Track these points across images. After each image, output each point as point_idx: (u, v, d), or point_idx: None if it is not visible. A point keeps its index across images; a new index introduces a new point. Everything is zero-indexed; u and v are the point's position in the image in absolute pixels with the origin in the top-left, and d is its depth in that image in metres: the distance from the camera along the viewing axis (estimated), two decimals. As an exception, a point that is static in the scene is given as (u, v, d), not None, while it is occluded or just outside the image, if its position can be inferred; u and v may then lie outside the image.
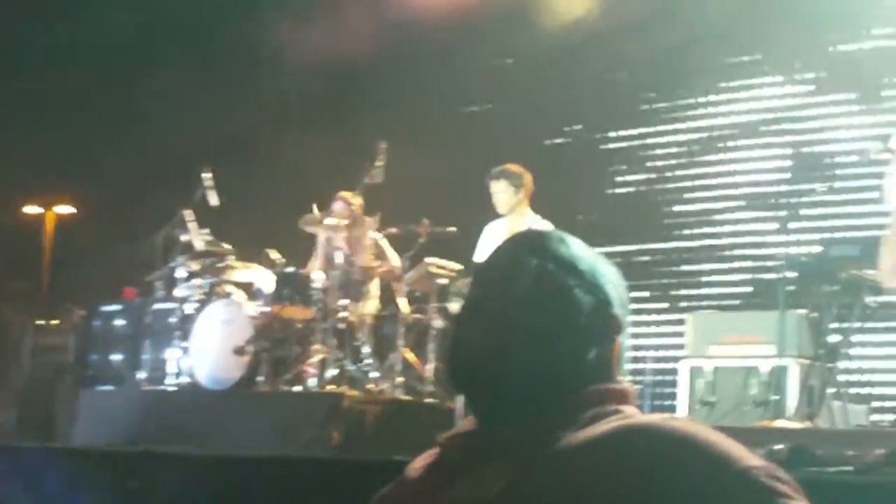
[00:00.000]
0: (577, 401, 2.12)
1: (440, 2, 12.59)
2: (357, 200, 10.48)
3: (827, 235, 8.96)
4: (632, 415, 2.13)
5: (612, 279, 2.24)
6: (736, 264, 12.16)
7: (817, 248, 9.36)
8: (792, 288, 9.06)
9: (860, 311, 9.53)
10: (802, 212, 11.14)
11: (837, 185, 11.08)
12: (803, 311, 9.36)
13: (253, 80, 13.72)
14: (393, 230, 10.65)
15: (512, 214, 9.97)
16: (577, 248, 2.24)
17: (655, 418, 2.08)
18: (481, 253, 9.89)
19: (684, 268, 12.60)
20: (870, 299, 8.83)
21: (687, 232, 12.79)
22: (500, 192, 9.99)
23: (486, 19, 12.77)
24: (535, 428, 2.09)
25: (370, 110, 13.04)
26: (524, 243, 2.26)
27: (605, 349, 2.19)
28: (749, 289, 11.82)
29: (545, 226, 9.51)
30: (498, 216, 10.16)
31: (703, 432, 2.02)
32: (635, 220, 12.93)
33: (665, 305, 12.51)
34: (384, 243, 10.71)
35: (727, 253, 12.28)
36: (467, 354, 2.18)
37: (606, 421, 2.09)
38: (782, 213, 10.44)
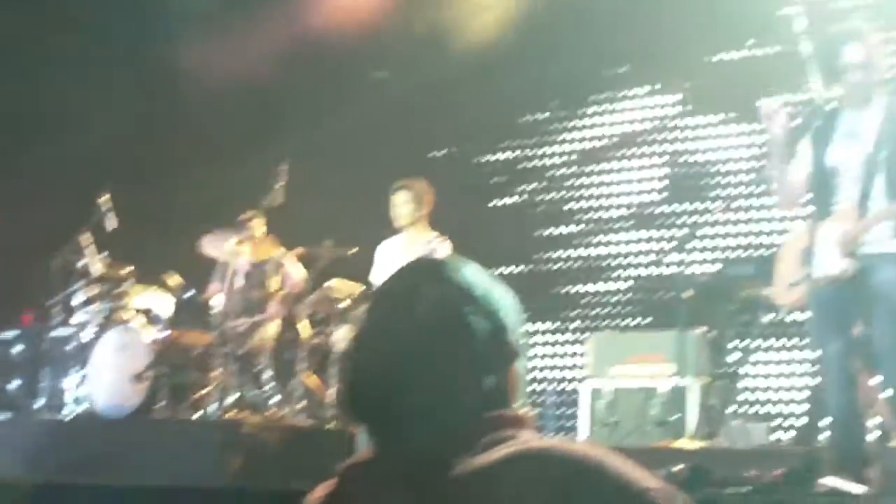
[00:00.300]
0: (474, 427, 2.11)
1: (335, 18, 12.59)
2: (258, 222, 10.39)
3: (721, 255, 9.03)
4: (528, 440, 2.12)
5: (507, 305, 2.24)
6: (633, 283, 12.19)
7: (714, 268, 9.43)
8: (691, 307, 9.13)
9: (758, 329, 9.64)
10: (697, 231, 11.27)
11: (734, 203, 11.19)
12: (702, 331, 9.44)
13: (150, 101, 13.56)
14: (295, 252, 10.57)
15: (410, 229, 9.90)
16: (473, 275, 2.24)
17: (551, 443, 2.08)
18: (378, 272, 9.84)
19: (581, 288, 12.60)
20: (767, 317, 8.92)
21: (576, 251, 12.80)
22: (402, 204, 9.92)
23: (374, 37, 12.77)
24: (433, 455, 2.09)
25: (271, 131, 12.96)
26: (420, 270, 2.27)
27: (502, 375, 2.18)
28: (648, 308, 11.87)
29: (444, 244, 9.49)
30: (393, 233, 10.09)
31: (600, 456, 2.02)
32: (519, 238, 12.92)
33: (565, 326, 12.51)
34: (286, 265, 10.63)
35: (623, 273, 12.30)
36: (364, 382, 2.17)
37: (503, 446, 2.09)
38: (677, 232, 10.59)
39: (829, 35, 6.57)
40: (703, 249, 11.27)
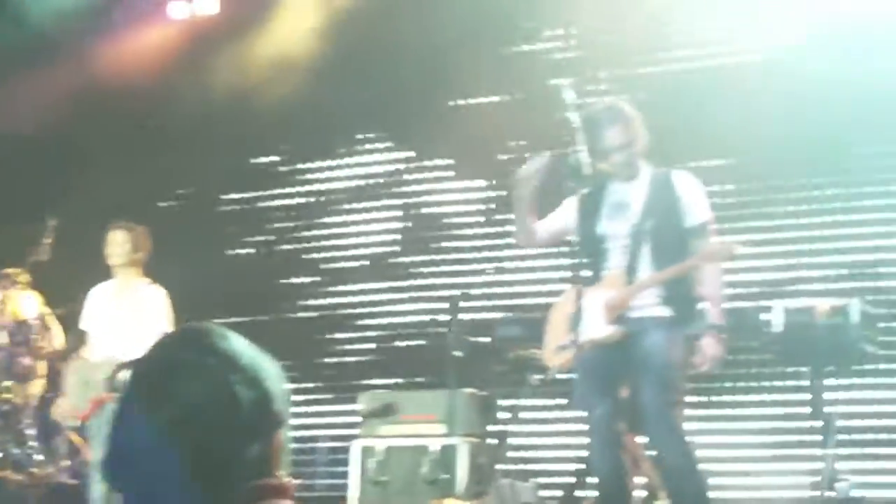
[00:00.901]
0: (237, 497, 2.08)
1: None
2: (23, 278, 10.13)
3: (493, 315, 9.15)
4: (289, 510, 2.10)
5: (272, 374, 2.22)
6: (403, 343, 12.20)
7: (486, 328, 9.50)
8: (461, 367, 9.18)
9: (527, 389, 9.73)
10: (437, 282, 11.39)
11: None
12: (472, 390, 9.50)
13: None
14: (59, 309, 10.35)
15: (123, 274, 9.57)
16: (237, 344, 2.21)
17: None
18: (88, 317, 9.54)
19: (336, 340, 12.56)
20: (536, 378, 9.02)
21: (320, 300, 12.80)
22: (119, 244, 9.57)
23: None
24: None
25: (37, 183, 12.69)
26: (184, 338, 2.23)
27: (266, 445, 2.16)
28: (418, 367, 11.90)
29: (158, 291, 9.35)
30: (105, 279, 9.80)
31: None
32: (261, 287, 12.83)
33: (334, 384, 12.44)
34: (50, 322, 10.40)
35: (390, 332, 12.30)
36: (122, 453, 2.11)
37: (263, 518, 2.05)
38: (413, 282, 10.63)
39: (592, 114, 6.74)
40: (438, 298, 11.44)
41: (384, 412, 9.52)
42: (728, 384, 10.54)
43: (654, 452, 7.03)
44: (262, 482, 2.13)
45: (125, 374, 9.85)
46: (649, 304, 6.38)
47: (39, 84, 12.38)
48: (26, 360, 10.12)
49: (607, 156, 6.60)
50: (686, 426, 8.11)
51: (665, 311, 6.35)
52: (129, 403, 2.17)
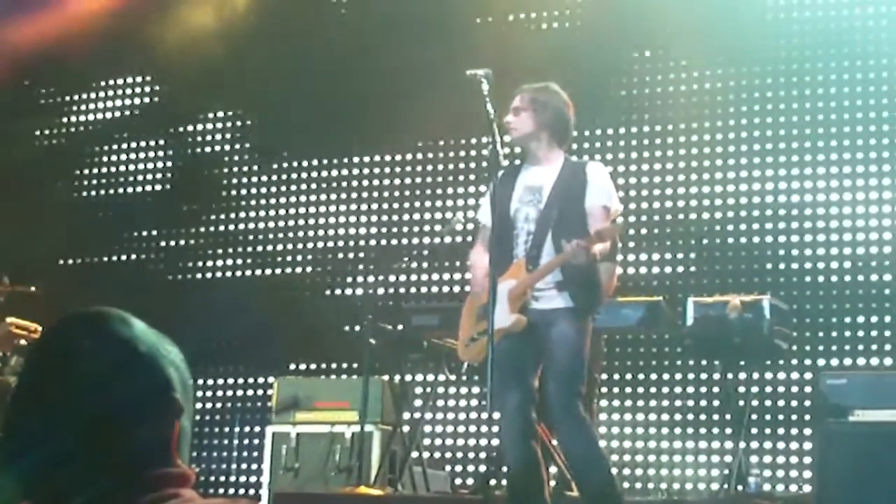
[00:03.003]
0: (137, 487, 2.05)
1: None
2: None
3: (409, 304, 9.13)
4: (191, 499, 2.09)
5: (173, 361, 2.19)
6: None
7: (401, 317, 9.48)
8: (375, 355, 9.17)
9: (441, 378, 9.74)
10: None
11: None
12: (386, 378, 9.50)
13: None
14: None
15: None
16: (138, 330, 2.17)
17: (214, 502, 2.04)
18: None
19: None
20: (451, 366, 9.03)
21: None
22: None
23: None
24: None
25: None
26: (81, 323, 2.17)
27: (165, 433, 2.12)
28: (334, 354, 11.87)
29: None
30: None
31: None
32: None
33: (248, 368, 12.37)
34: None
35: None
36: (14, 441, 2.08)
37: (165, 506, 2.03)
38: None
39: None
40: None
41: (293, 406, 9.50)
42: (640, 376, 10.61)
43: (560, 446, 7.07)
44: (162, 471, 2.10)
45: (19, 360, 9.75)
46: (551, 295, 6.39)
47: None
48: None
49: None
50: (598, 418, 8.19)
51: (566, 301, 6.36)
52: (23, 391, 2.13)
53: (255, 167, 12.75)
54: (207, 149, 13.09)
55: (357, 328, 10.26)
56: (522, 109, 6.62)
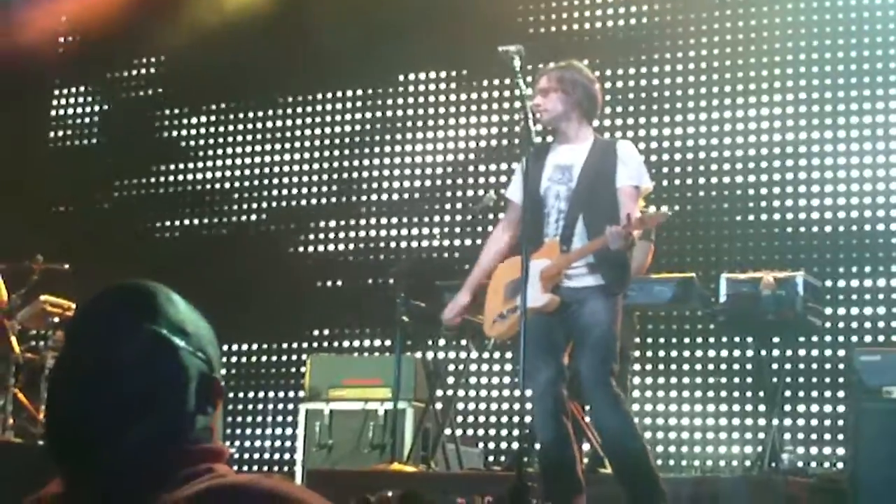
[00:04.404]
0: (172, 461, 2.06)
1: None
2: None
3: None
4: (224, 474, 2.09)
5: (211, 340, 2.19)
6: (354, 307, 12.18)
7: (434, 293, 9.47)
8: (407, 331, 9.18)
9: (474, 355, 9.75)
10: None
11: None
12: (419, 355, 9.51)
13: None
14: (2, 266, 10.27)
15: None
16: (184, 309, 2.17)
17: (246, 478, 2.05)
18: None
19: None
20: (483, 343, 9.03)
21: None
22: None
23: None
24: (128, 490, 2.03)
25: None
26: (129, 301, 2.15)
27: (208, 412, 2.14)
28: (368, 331, 11.91)
29: None
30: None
31: (290, 490, 2.00)
32: None
33: (284, 344, 12.43)
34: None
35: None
36: (62, 418, 2.08)
37: (199, 481, 2.04)
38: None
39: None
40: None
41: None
42: (673, 353, 10.61)
43: (594, 424, 7.06)
44: (200, 446, 2.11)
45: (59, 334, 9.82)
46: (582, 274, 6.37)
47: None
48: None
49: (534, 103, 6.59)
50: (631, 395, 8.18)
51: (598, 280, 6.35)
52: (67, 367, 2.12)
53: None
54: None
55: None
56: (551, 90, 6.58)
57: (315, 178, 12.77)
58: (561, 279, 6.38)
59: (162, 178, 13.40)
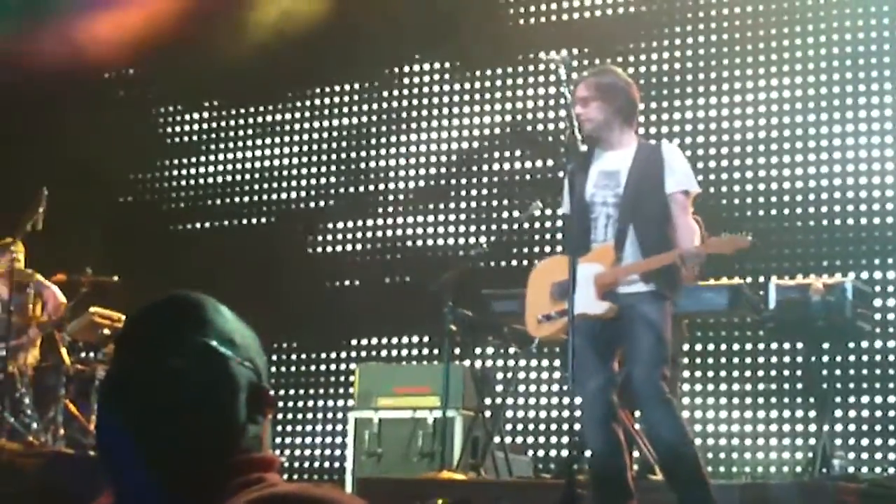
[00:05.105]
0: (223, 471, 2.08)
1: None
2: (17, 248, 10.12)
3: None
4: (275, 483, 2.10)
5: (258, 350, 2.21)
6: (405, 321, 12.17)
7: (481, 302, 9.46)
8: (456, 340, 9.19)
9: (523, 363, 9.73)
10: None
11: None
12: (467, 364, 9.52)
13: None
14: (55, 278, 10.36)
15: None
16: (231, 320, 2.19)
17: (297, 487, 2.06)
18: None
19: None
20: (532, 351, 9.03)
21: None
22: None
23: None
24: (179, 501, 2.05)
25: (31, 155, 12.71)
26: (179, 312, 2.17)
27: (259, 421, 2.15)
28: (416, 340, 11.92)
29: None
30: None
31: (342, 499, 2.01)
32: None
33: (334, 356, 12.46)
34: (45, 291, 10.41)
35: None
36: (114, 429, 2.09)
37: (250, 490, 2.06)
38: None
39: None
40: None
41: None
42: (723, 360, 10.58)
43: (646, 429, 7.04)
44: (250, 456, 2.12)
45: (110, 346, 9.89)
46: (633, 279, 6.36)
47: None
48: (22, 329, 10.13)
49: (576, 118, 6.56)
50: (682, 402, 8.15)
51: (650, 286, 6.33)
52: (119, 379, 2.13)
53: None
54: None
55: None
56: (591, 99, 6.55)
57: (325, 176, 12.89)
58: (615, 286, 6.37)
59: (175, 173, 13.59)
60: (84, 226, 12.24)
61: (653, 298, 6.30)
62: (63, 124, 12.93)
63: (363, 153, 12.76)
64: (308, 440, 12.34)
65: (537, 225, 11.18)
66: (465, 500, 6.61)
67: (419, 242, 12.22)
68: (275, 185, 13.12)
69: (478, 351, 10.76)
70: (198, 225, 13.43)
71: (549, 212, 10.73)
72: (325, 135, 12.98)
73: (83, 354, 10.39)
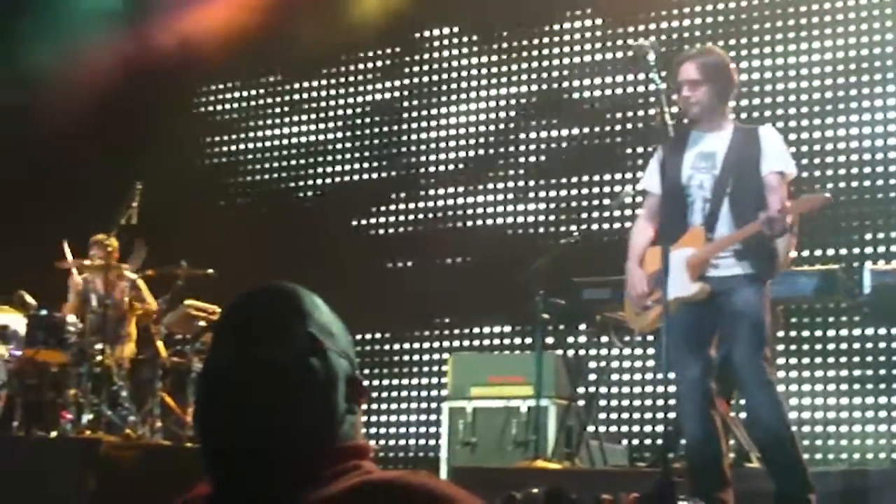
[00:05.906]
0: (322, 459, 2.09)
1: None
2: (112, 242, 10.22)
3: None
4: (371, 470, 2.12)
5: (350, 341, 2.23)
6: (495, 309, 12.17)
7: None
8: (548, 329, 9.19)
9: (616, 351, 9.69)
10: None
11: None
12: (560, 352, 9.50)
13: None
14: (150, 272, 10.46)
15: None
16: (326, 311, 2.20)
17: (395, 474, 2.08)
18: None
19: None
20: (625, 339, 8.99)
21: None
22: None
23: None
24: (279, 488, 2.06)
25: (125, 150, 12.84)
26: (279, 303, 2.18)
27: (355, 411, 2.17)
28: (508, 329, 11.91)
29: None
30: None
31: (439, 486, 2.02)
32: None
33: (427, 346, 12.49)
34: (141, 285, 10.53)
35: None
36: (217, 419, 2.12)
37: (347, 477, 2.08)
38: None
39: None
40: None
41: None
42: (818, 346, 10.48)
43: (746, 412, 6.94)
44: (345, 444, 2.14)
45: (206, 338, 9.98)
46: (730, 263, 6.30)
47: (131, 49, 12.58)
48: (118, 322, 10.25)
49: (679, 94, 6.49)
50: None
51: (746, 268, 6.27)
52: (223, 369, 2.14)
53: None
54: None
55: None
56: (702, 82, 6.47)
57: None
58: (707, 268, 6.32)
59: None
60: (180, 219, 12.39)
61: (749, 282, 6.25)
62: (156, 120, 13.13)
63: (396, 127, 12.83)
64: (402, 430, 12.38)
65: (629, 212, 11.13)
66: (561, 488, 6.57)
67: (468, 221, 12.28)
68: (320, 159, 13.28)
69: (570, 339, 10.74)
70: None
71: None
72: (359, 110, 13.04)
73: (179, 347, 10.47)
